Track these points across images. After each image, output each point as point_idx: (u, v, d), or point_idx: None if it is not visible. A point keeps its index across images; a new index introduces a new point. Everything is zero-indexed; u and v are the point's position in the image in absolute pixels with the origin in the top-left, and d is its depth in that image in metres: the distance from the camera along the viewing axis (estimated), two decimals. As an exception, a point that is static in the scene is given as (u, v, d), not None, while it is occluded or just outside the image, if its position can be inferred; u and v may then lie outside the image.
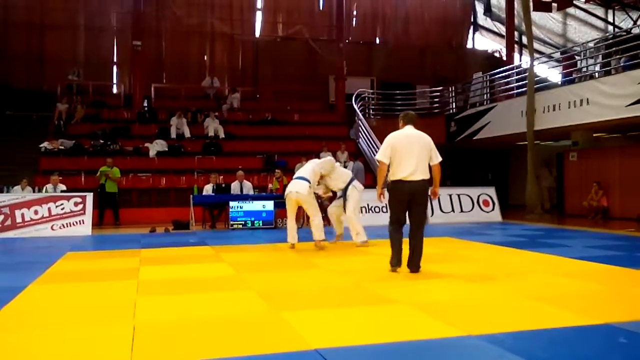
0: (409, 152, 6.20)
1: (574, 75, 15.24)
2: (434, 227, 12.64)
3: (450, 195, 13.94)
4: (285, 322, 4.21)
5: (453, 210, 13.81)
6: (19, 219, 11.55)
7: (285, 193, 8.65)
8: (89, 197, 12.15)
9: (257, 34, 23.45)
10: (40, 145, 15.70)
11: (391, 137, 6.35)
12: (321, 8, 23.78)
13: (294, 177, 8.88)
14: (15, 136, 16.58)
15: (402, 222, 6.38)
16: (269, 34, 23.40)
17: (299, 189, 8.50)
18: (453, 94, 20.64)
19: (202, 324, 4.19)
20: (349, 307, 4.68)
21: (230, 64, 23.00)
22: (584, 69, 15.96)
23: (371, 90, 21.14)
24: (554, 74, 20.27)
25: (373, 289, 5.39)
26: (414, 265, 6.21)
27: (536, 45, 21.94)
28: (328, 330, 3.97)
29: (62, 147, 15.87)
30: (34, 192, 12.66)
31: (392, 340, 3.71)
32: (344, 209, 9.09)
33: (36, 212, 11.65)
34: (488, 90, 18.97)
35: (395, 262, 6.25)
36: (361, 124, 18.50)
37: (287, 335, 3.88)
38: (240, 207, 12.52)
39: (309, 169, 8.83)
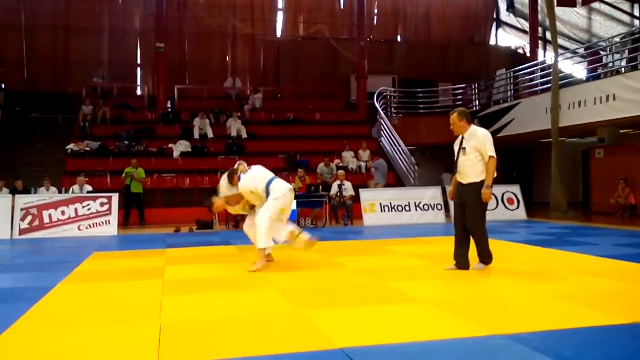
0: None
1: (599, 71, 14.99)
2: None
3: (473, 194, 13.80)
4: (309, 321, 4.22)
5: (477, 209, 13.66)
6: (46, 220, 11.76)
7: (287, 188, 6.87)
8: (115, 197, 12.32)
9: (279, 34, 23.55)
10: (66, 147, 15.99)
11: (490, 134, 6.16)
12: (342, 7, 23.78)
13: (272, 176, 6.99)
14: (41, 138, 16.90)
15: None
16: (290, 33, 23.48)
17: None
18: (476, 91, 20.47)
19: (227, 322, 4.22)
20: (374, 306, 4.67)
21: (251, 64, 23.13)
22: (610, 64, 15.70)
23: (393, 89, 21.06)
24: (578, 70, 19.96)
25: (397, 288, 5.37)
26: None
27: (560, 41, 21.63)
28: (353, 329, 3.96)
29: (88, 149, 16.13)
30: (60, 193, 12.89)
31: (418, 340, 3.69)
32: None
33: (63, 213, 11.85)
34: (512, 87, 18.77)
35: (491, 257, 6.24)
36: (383, 122, 18.45)
37: (311, 334, 3.89)
38: (263, 207, 12.53)
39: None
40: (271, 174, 7.00)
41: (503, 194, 13.97)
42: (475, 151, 5.99)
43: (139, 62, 22.06)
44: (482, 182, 5.94)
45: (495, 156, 5.97)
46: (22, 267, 7.65)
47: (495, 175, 6.00)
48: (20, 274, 7.00)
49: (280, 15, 23.61)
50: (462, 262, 6.19)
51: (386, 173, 15.55)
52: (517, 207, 13.93)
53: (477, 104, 20.20)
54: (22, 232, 11.58)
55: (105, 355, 3.48)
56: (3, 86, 19.09)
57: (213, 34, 22.52)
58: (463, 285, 5.55)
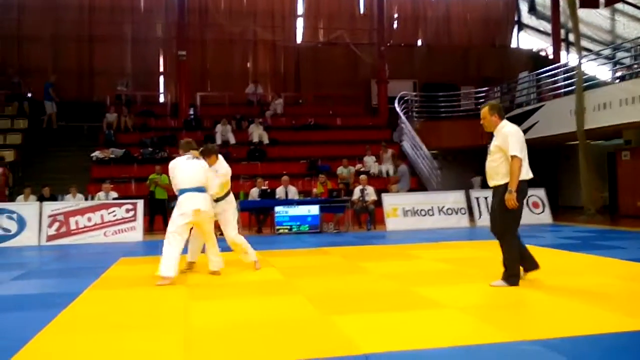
0: (525, 148, 5.46)
1: (624, 73, 14.75)
2: (481, 230, 12.44)
3: (497, 198, 13.68)
4: (334, 326, 4.22)
5: (501, 213, 13.54)
6: (73, 226, 11.94)
7: (187, 210, 6.37)
8: (140, 204, 12.47)
9: (299, 40, 23.63)
10: (92, 155, 16.23)
11: (519, 130, 5.48)
12: (362, 12, 23.77)
13: (186, 187, 6.50)
14: (67, 146, 17.17)
15: None
16: (310, 39, 23.55)
17: (208, 208, 6.62)
18: (498, 95, 20.28)
19: (252, 328, 4.24)
20: (399, 312, 4.65)
21: (272, 71, 23.25)
22: (635, 66, 15.44)
23: (414, 93, 20.98)
24: (603, 72, 19.67)
25: (422, 293, 5.34)
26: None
27: (583, 43, 21.32)
28: (378, 335, 3.95)
29: (113, 156, 16.36)
30: (86, 200, 13.08)
31: (444, 345, 3.66)
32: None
33: (89, 219, 12.02)
34: (535, 90, 18.57)
35: (518, 277, 5.59)
36: (404, 126, 18.39)
37: (337, 339, 3.88)
38: (286, 212, 12.61)
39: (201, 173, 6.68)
40: (188, 184, 6.48)
41: (528, 198, 13.75)
42: (499, 150, 5.42)
43: (161, 70, 22.32)
44: (507, 185, 5.34)
45: (519, 156, 5.27)
46: (51, 273, 7.78)
47: (529, 177, 5.39)
48: (49, 280, 7.13)
49: (300, 22, 23.71)
50: (525, 265, 5.66)
51: (409, 178, 15.49)
52: (543, 211, 13.76)
53: (500, 107, 20.00)
54: (49, 238, 11.78)
55: (134, 360, 3.52)
56: (30, 95, 19.45)
57: (234, 41, 22.70)
58: (489, 290, 5.49)
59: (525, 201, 5.62)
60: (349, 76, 22.42)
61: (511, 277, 5.51)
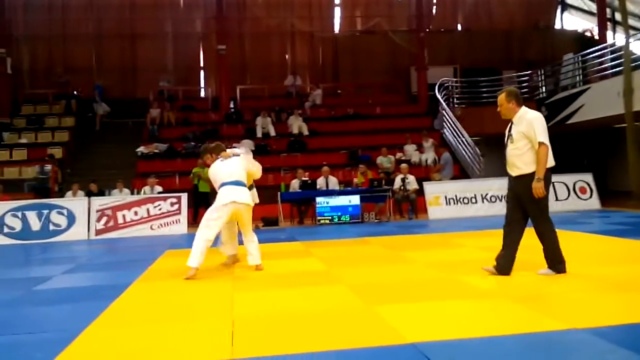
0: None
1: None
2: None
3: (543, 184, 13.37)
4: (378, 316, 4.20)
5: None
6: (120, 220, 12.26)
7: (224, 202, 6.39)
8: (184, 197, 12.70)
9: (337, 29, 23.53)
10: (137, 150, 16.60)
11: (542, 116, 5.34)
12: (399, -2, 23.50)
13: (226, 181, 6.52)
14: (113, 142, 17.60)
15: None
16: (348, 28, 23.42)
17: (247, 199, 6.52)
18: (542, 78, 19.76)
19: (297, 318, 4.27)
20: (444, 301, 4.60)
21: (310, 61, 23.25)
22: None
23: (454, 79, 20.64)
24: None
25: (468, 282, 5.27)
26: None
27: (631, 22, 20.54)
28: (424, 324, 3.92)
29: (157, 151, 16.70)
30: (132, 194, 13.40)
31: (493, 334, 3.60)
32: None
33: (136, 213, 12.32)
34: (580, 72, 18.01)
35: (564, 264, 5.40)
36: (445, 113, 18.13)
37: (381, 329, 3.87)
38: (327, 203, 12.63)
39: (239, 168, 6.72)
40: (227, 178, 6.51)
41: (575, 183, 13.45)
42: (523, 138, 5.21)
43: (201, 64, 22.61)
44: (534, 174, 5.17)
45: (547, 143, 5.13)
46: (100, 267, 8.00)
47: (553, 164, 5.24)
48: (98, 273, 7.34)
49: (337, 11, 23.61)
50: (501, 264, 5.46)
51: (452, 166, 15.29)
52: (591, 196, 13.37)
53: (543, 90, 19.50)
54: (98, 232, 12.12)
55: (182, 350, 3.59)
56: (76, 93, 20.00)
57: (272, 34, 22.78)
58: (537, 278, 5.37)
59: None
60: (388, 64, 22.23)
61: (557, 263, 5.37)
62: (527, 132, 5.19)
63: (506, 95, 5.40)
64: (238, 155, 6.97)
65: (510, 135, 5.37)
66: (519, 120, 5.30)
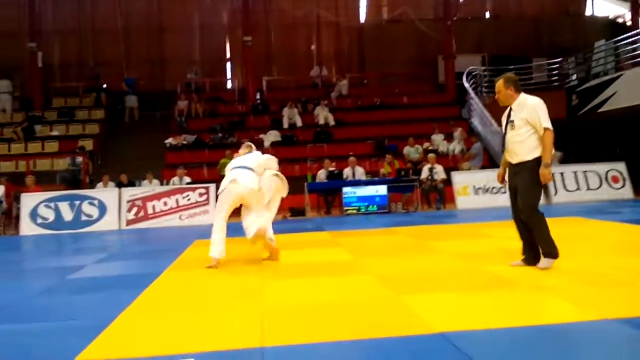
0: None
1: None
2: (558, 206, 12.04)
3: (575, 173, 13.17)
4: (406, 305, 4.19)
5: (579, 188, 13.06)
6: (150, 211, 12.45)
7: (223, 186, 6.39)
8: (212, 187, 12.80)
9: (362, 19, 23.38)
10: (165, 141, 16.81)
11: (543, 102, 5.20)
12: (426, -14, 23.22)
13: (233, 167, 6.50)
14: (142, 134, 17.85)
15: None
16: (373, 18, 23.28)
17: (248, 180, 6.31)
18: (573, 65, 19.36)
19: (325, 307, 4.29)
20: (473, 291, 4.57)
21: (336, 52, 23.18)
22: None
23: (483, 67, 20.36)
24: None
25: (496, 272, 5.22)
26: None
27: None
28: (452, 314, 3.90)
29: (185, 142, 16.89)
30: (162, 185, 13.58)
31: (523, 324, 3.57)
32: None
33: (165, 204, 12.50)
34: (613, 59, 17.59)
35: (556, 248, 5.23)
36: (473, 102, 17.91)
37: (409, 318, 3.86)
38: (354, 193, 12.62)
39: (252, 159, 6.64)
40: (235, 164, 6.46)
41: (607, 172, 13.20)
42: (525, 124, 5.10)
43: (228, 56, 22.72)
44: (536, 160, 5.06)
45: (551, 128, 5.03)
46: (131, 256, 8.15)
47: (553, 151, 5.12)
48: (130, 262, 7.48)
49: (363, 1, 23.44)
50: (529, 257, 5.34)
51: (482, 156, 15.09)
52: (623, 185, 13.12)
53: (574, 78, 19.12)
54: (129, 223, 12.34)
55: (213, 338, 3.64)
56: (105, 86, 20.30)
57: (298, 25, 22.77)
58: (565, 268, 5.30)
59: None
60: (415, 53, 22.02)
61: (551, 249, 5.18)
62: (531, 118, 5.08)
63: (504, 81, 5.29)
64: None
65: (511, 121, 5.25)
66: (519, 107, 5.19)
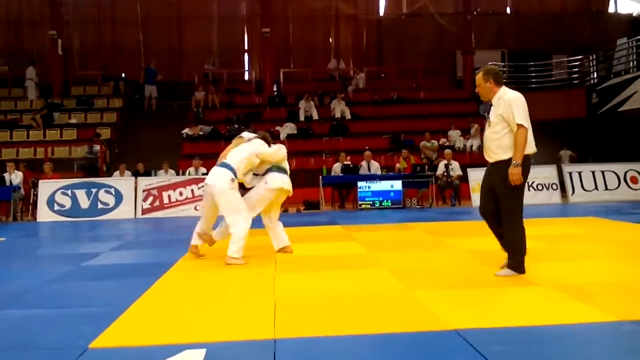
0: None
1: None
2: (575, 206, 11.92)
3: (593, 172, 13.01)
4: (420, 301, 4.17)
5: (596, 188, 12.89)
6: (165, 200, 12.52)
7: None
8: (227, 179, 12.83)
9: (381, 12, 23.24)
10: (182, 132, 16.87)
11: (522, 97, 4.85)
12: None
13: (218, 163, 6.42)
14: (159, 124, 17.94)
15: None
16: (393, 11, 23.11)
17: (217, 179, 6.08)
18: (594, 63, 19.11)
19: (338, 300, 4.28)
20: (487, 288, 4.53)
21: (354, 45, 23.07)
22: None
23: (502, 63, 20.16)
24: None
25: (512, 270, 5.17)
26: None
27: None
28: (466, 311, 3.87)
29: (202, 133, 16.93)
30: (178, 175, 13.65)
31: (538, 324, 3.53)
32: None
33: (181, 194, 12.56)
34: (634, 57, 17.33)
35: (523, 264, 4.89)
36: (492, 99, 17.74)
37: (423, 314, 3.84)
38: (369, 187, 12.59)
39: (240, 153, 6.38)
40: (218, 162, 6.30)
41: (626, 173, 13.02)
42: (502, 121, 4.75)
43: (246, 48, 22.73)
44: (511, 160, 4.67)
45: (526, 125, 4.64)
46: (146, 244, 8.21)
47: (534, 150, 4.76)
48: (145, 251, 7.53)
49: (383, -6, 23.31)
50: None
51: None
52: (643, 186, 12.94)
53: (595, 76, 18.87)
54: (144, 211, 12.42)
55: (225, 328, 3.64)
56: (124, 75, 20.42)
57: (316, 17, 22.69)
58: (581, 268, 5.23)
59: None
60: (433, 48, 21.87)
61: (517, 261, 4.85)
62: (506, 114, 4.73)
63: (483, 74, 4.95)
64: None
65: (488, 118, 4.96)
66: (498, 102, 4.85)
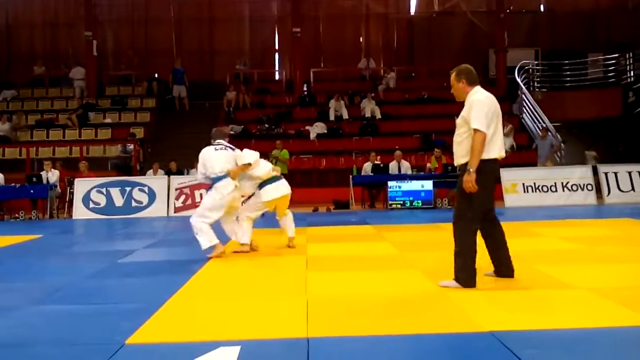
0: (500, 121, 4.57)
1: None
2: (610, 207, 11.66)
3: (629, 173, 12.70)
4: (453, 302, 4.14)
5: (633, 189, 12.57)
6: (197, 199, 12.62)
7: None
8: (258, 178, 12.92)
9: (412, 11, 23.08)
10: (213, 131, 17.02)
11: (488, 99, 4.52)
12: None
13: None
14: (191, 123, 18.13)
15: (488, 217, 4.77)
16: (424, 10, 22.90)
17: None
18: (630, 62, 18.65)
19: (370, 300, 4.27)
20: (522, 290, 4.47)
21: (385, 44, 22.93)
22: None
23: (536, 62, 19.82)
24: None
25: (547, 272, 5.09)
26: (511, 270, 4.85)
27: None
28: (501, 313, 3.82)
29: (233, 132, 17.04)
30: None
31: (575, 327, 3.47)
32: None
33: (212, 193, 12.65)
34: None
35: (473, 278, 4.53)
36: (525, 98, 17.48)
37: (457, 315, 3.81)
38: (399, 187, 12.52)
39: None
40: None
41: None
42: (465, 123, 4.49)
43: (277, 48, 22.81)
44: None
45: (482, 130, 4.33)
46: (179, 242, 8.31)
47: (502, 155, 4.51)
48: (178, 248, 7.64)
49: (414, -8, 23.14)
50: (500, 269, 4.85)
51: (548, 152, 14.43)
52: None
53: (631, 75, 18.42)
54: (177, 210, 12.59)
55: (259, 327, 3.67)
56: (157, 76, 20.71)
57: (346, 16, 22.64)
58: (617, 271, 5.12)
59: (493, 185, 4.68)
60: (465, 46, 21.57)
61: (463, 273, 4.52)
62: (467, 115, 4.46)
63: (456, 74, 4.64)
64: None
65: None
66: (466, 103, 4.55)
